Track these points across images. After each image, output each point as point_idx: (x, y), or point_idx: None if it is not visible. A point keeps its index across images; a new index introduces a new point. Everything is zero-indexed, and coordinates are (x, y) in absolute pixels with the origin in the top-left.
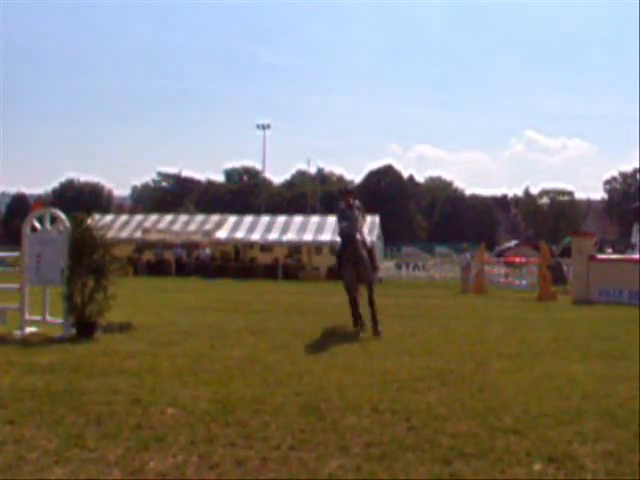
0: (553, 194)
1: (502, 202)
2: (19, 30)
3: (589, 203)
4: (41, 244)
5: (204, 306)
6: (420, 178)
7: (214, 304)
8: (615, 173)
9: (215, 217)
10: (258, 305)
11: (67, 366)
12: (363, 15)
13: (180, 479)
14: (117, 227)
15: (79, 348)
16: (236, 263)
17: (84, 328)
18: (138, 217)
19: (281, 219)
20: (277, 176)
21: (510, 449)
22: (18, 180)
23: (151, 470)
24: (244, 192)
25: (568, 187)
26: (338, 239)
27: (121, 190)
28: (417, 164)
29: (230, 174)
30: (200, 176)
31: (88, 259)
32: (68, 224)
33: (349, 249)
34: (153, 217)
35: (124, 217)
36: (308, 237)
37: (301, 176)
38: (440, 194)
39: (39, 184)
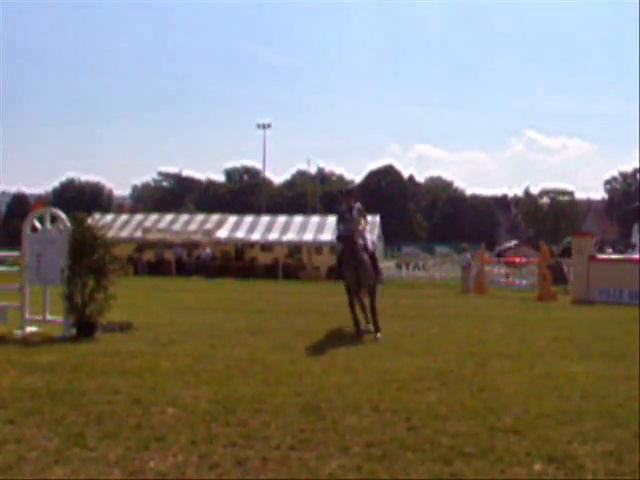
0: (553, 194)
1: (502, 202)
2: (19, 30)
3: (589, 203)
4: (41, 244)
5: (204, 306)
6: (420, 178)
7: (214, 304)
8: (615, 173)
9: (215, 217)
10: (258, 305)
11: (67, 366)
12: (363, 15)
13: (180, 479)
14: (117, 227)
15: (79, 348)
16: (236, 263)
17: (84, 328)
18: (138, 217)
19: (281, 219)
20: (277, 176)
21: (510, 449)
22: (18, 180)
23: (151, 470)
24: (244, 192)
25: (568, 187)
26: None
27: (121, 190)
28: (417, 164)
29: (230, 174)
30: (200, 176)
31: (88, 259)
32: (68, 224)
33: (347, 251)
34: (153, 217)
35: (124, 217)
36: (308, 237)
37: (301, 176)
38: (440, 194)
39: (39, 184)
